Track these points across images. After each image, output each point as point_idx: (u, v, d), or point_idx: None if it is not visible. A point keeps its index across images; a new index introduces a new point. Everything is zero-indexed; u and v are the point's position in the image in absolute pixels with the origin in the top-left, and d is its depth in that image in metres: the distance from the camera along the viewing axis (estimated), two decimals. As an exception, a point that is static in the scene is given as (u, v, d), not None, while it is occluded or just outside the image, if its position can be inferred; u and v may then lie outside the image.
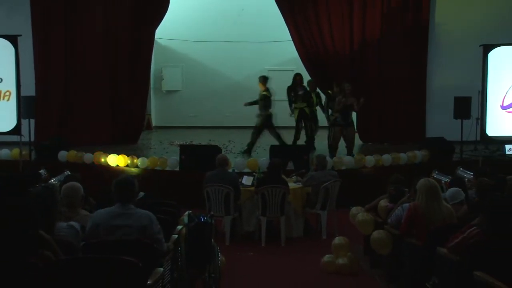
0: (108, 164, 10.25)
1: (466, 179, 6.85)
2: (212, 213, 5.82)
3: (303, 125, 12.07)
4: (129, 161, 10.19)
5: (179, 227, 5.48)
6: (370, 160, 10.16)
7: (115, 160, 10.22)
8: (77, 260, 3.89)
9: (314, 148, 11.65)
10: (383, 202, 6.53)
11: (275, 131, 11.57)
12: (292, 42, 13.18)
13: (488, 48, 10.44)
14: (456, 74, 12.70)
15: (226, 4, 16.99)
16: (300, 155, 9.89)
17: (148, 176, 9.68)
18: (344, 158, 10.21)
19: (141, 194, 6.57)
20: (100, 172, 10.10)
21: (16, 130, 10.25)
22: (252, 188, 7.95)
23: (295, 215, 8.04)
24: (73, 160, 10.49)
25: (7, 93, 10.45)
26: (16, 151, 10.58)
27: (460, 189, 5.88)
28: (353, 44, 12.86)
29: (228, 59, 17.18)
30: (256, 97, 11.77)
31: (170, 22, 14.84)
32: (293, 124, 12.16)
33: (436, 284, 4.80)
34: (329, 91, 11.80)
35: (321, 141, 11.83)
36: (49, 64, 12.80)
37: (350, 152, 10.77)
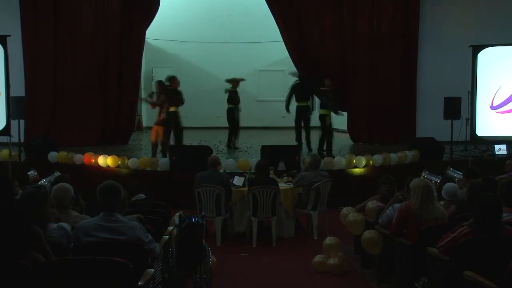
0: (99, 165, 10.21)
1: (456, 179, 6.88)
2: (203, 213, 5.79)
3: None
4: (119, 162, 10.15)
5: (170, 228, 5.48)
6: (360, 160, 10.19)
7: (106, 160, 10.18)
8: (67, 262, 3.86)
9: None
10: (371, 204, 6.58)
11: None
12: (282, 43, 13.19)
13: (477, 48, 10.50)
14: (445, 75, 12.76)
15: (216, 4, 17.00)
16: (291, 155, 9.90)
17: (139, 177, 9.64)
18: (335, 159, 10.25)
19: (141, 196, 6.57)
20: (91, 173, 10.07)
21: (5, 131, 10.17)
22: (244, 189, 7.95)
23: (286, 215, 8.04)
24: (63, 161, 10.44)
25: (-4, 94, 10.40)
26: (5, 152, 10.50)
27: (456, 185, 5.91)
28: (344, 45, 12.89)
29: (219, 59, 17.17)
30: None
31: (161, 23, 14.82)
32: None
33: (426, 283, 4.82)
34: (322, 88, 11.69)
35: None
36: (39, 64, 12.73)
37: None
